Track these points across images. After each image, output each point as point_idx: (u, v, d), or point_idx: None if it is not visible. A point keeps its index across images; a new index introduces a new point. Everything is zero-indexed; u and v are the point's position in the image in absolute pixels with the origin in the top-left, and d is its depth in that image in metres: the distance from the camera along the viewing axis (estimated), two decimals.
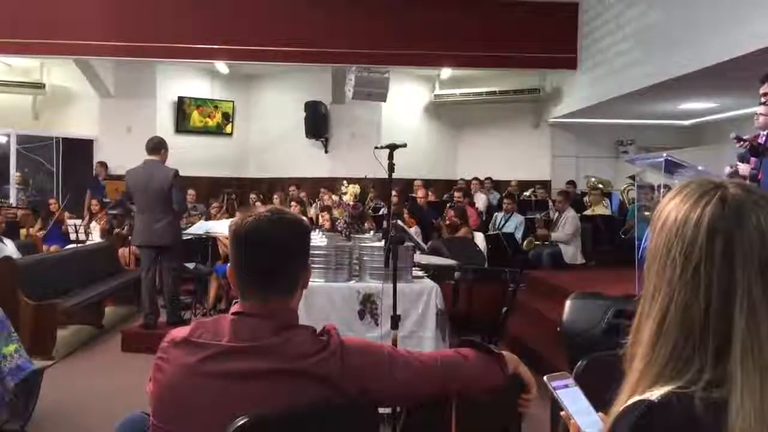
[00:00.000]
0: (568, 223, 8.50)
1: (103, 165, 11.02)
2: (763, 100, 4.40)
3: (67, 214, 9.60)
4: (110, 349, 6.14)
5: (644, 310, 1.01)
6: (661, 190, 5.46)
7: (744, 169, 4.67)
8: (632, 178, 9.98)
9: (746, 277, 0.92)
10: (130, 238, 8.94)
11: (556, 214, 8.95)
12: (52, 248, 8.63)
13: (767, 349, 0.90)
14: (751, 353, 0.90)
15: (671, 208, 1.00)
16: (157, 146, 6.19)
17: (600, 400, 1.18)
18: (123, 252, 8.74)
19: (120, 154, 11.20)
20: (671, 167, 4.81)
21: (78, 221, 9.12)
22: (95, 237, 8.94)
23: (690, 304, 0.94)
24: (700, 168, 4.97)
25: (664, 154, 4.89)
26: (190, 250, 7.37)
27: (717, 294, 0.93)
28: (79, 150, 11.65)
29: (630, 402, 0.95)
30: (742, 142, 4.77)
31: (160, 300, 6.38)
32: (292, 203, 9.75)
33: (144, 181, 6.05)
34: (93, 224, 9.23)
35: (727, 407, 0.89)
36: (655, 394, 0.93)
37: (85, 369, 5.51)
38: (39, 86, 11.67)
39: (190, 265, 7.51)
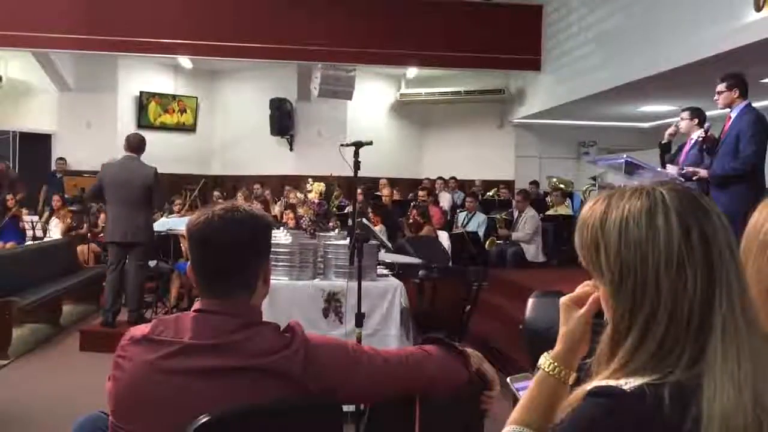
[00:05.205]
0: (527, 222, 8.62)
1: (63, 160, 10.79)
2: (716, 97, 4.84)
3: (24, 210, 9.35)
4: (68, 348, 6.00)
5: (624, 321, 0.99)
6: None
7: (672, 170, 4.98)
8: (594, 179, 10.16)
9: (723, 260, 0.95)
10: (89, 235, 8.78)
11: (517, 214, 9.07)
12: (8, 245, 8.40)
13: (741, 326, 0.93)
14: (729, 331, 0.93)
15: (620, 215, 0.98)
16: (141, 144, 6.14)
17: None
18: (82, 249, 8.55)
19: (79, 150, 10.99)
20: (631, 168, 4.91)
21: (35, 218, 8.89)
22: (55, 234, 8.73)
23: (679, 301, 0.95)
24: (658, 169, 5.08)
25: (624, 156, 4.98)
26: (152, 248, 7.24)
27: (702, 284, 0.94)
28: (36, 145, 11.38)
29: (603, 383, 0.95)
30: (706, 139, 4.92)
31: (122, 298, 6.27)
32: (255, 202, 9.67)
33: (124, 177, 5.96)
34: (54, 221, 8.99)
35: (699, 388, 0.91)
36: (629, 383, 0.93)
37: (43, 368, 5.38)
38: None
39: (152, 263, 7.39)
